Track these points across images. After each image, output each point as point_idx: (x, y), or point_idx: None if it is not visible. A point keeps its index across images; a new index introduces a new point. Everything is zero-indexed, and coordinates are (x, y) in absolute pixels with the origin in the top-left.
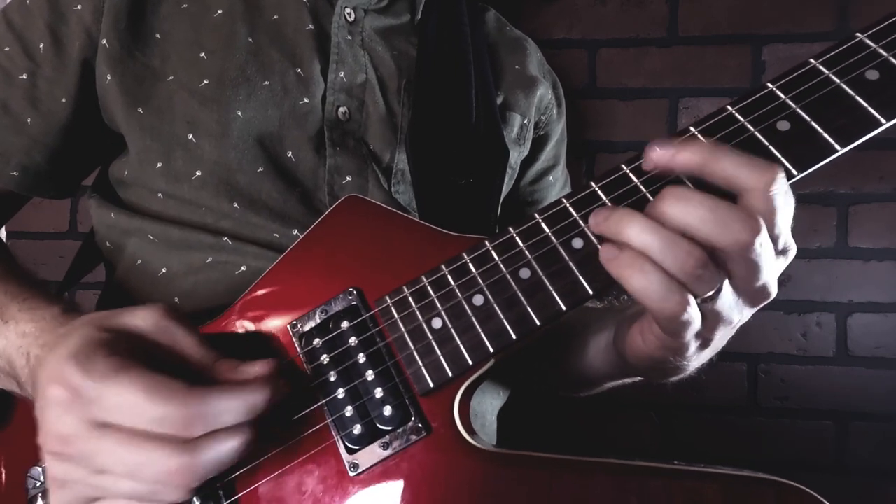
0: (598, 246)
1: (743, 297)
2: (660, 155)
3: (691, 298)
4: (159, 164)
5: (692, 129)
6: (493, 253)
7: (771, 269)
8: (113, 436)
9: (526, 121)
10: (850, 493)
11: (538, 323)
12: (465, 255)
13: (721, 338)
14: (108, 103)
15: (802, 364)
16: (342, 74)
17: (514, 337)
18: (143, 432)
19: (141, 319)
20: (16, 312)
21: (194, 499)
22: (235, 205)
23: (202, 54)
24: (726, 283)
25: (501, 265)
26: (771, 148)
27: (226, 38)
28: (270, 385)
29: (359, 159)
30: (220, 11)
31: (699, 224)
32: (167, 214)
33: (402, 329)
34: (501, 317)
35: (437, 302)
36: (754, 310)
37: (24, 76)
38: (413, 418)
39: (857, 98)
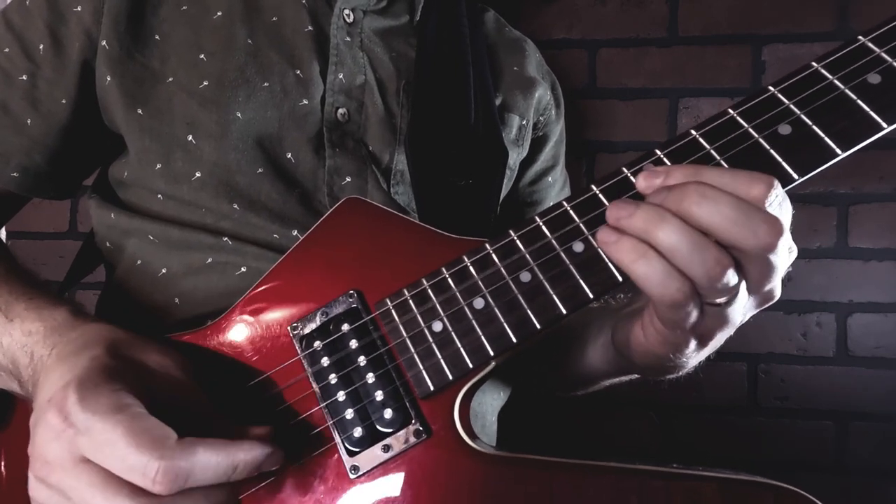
0: (598, 249)
1: (753, 299)
2: (649, 185)
3: (691, 285)
4: (159, 165)
5: (693, 132)
6: (494, 256)
7: (783, 271)
8: (90, 475)
9: (524, 122)
10: (850, 493)
11: (538, 326)
12: (465, 258)
13: (721, 337)
14: (108, 104)
15: (802, 364)
16: (341, 76)
17: (514, 340)
18: (117, 479)
19: (154, 360)
20: (21, 311)
21: None
22: (235, 206)
23: (202, 56)
24: (743, 286)
25: (502, 269)
26: (772, 152)
27: (225, 39)
28: (262, 451)
29: (358, 160)
30: (219, 13)
31: (728, 225)
32: (167, 215)
33: (403, 332)
34: (502, 320)
35: (437, 305)
36: (757, 311)
37: (24, 77)
38: (413, 421)
39: (859, 102)
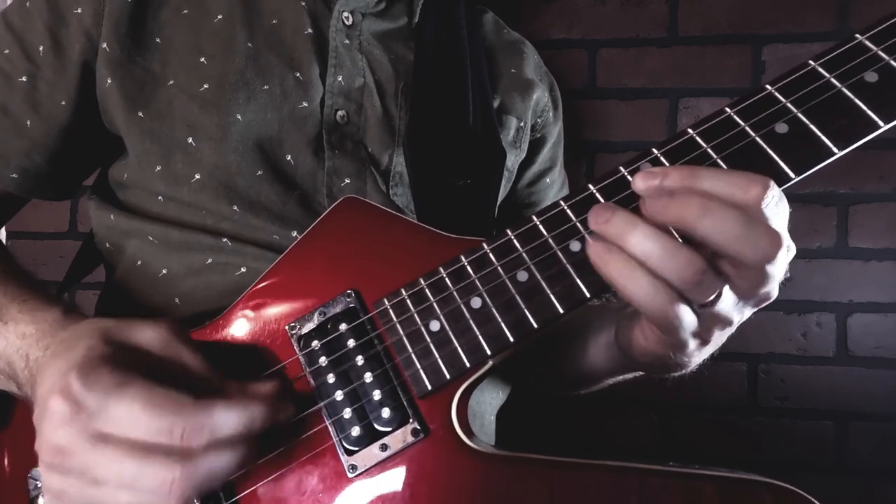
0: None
1: (744, 299)
2: (648, 186)
3: (680, 300)
4: (159, 167)
5: (690, 130)
6: (491, 256)
7: (780, 275)
8: (112, 447)
9: (522, 124)
10: (850, 493)
11: (535, 326)
12: (463, 258)
13: (721, 336)
14: (108, 106)
15: (802, 364)
16: (340, 78)
17: (511, 340)
18: (142, 443)
19: (147, 336)
20: (16, 313)
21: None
22: (235, 207)
23: (202, 59)
24: (726, 287)
25: (499, 268)
26: (769, 151)
27: (225, 42)
28: (274, 403)
29: (357, 162)
30: (219, 16)
31: (730, 241)
32: (167, 216)
33: (401, 331)
34: (499, 319)
35: (434, 304)
36: (755, 309)
37: (24, 79)
38: (411, 420)
39: (856, 101)
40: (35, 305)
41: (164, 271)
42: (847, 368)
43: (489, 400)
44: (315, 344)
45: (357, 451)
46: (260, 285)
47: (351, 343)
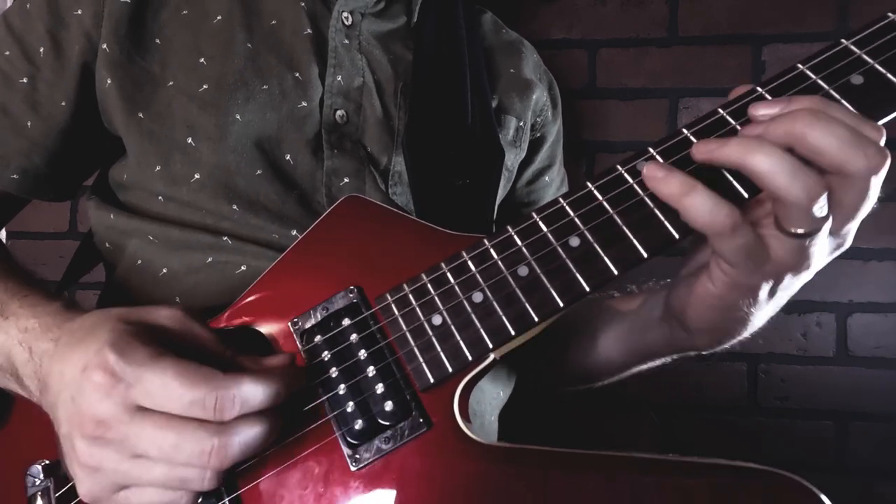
0: (594, 244)
1: (831, 238)
2: (768, 110)
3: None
4: (158, 168)
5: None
6: (492, 251)
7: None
8: (151, 419)
9: (521, 123)
10: (850, 493)
11: (536, 319)
12: (464, 254)
13: (791, 284)
14: (108, 107)
15: (802, 364)
16: (339, 78)
17: (512, 333)
18: (179, 416)
19: (164, 315)
20: (16, 308)
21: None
22: (234, 207)
23: (201, 60)
24: (828, 223)
25: (500, 263)
26: None
27: (224, 43)
28: (290, 374)
29: (356, 162)
30: (219, 17)
31: (840, 145)
32: (167, 216)
33: (403, 326)
34: (500, 313)
35: (436, 299)
36: (827, 260)
37: (24, 80)
38: (414, 413)
39: (843, 102)
40: (35, 301)
41: (165, 270)
42: (847, 368)
43: (490, 400)
44: (318, 339)
45: (360, 445)
46: (262, 282)
47: (354, 338)
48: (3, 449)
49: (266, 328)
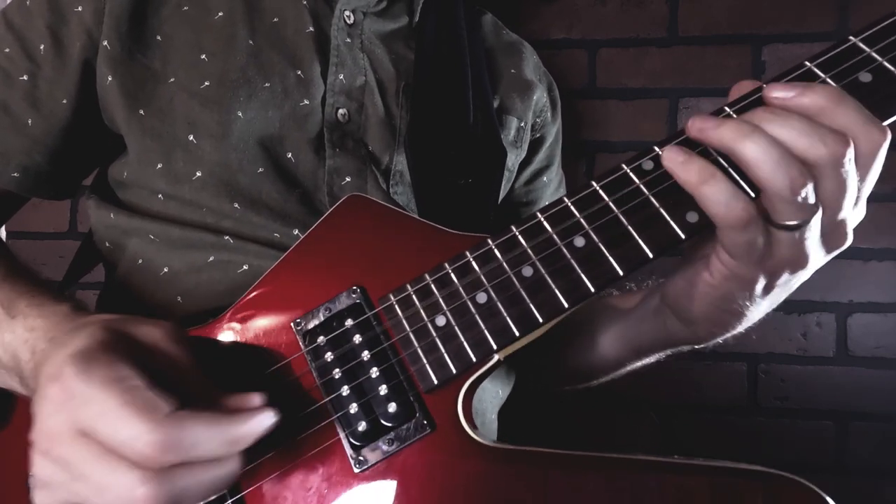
0: (599, 244)
1: (825, 234)
2: (784, 93)
3: (755, 207)
4: (159, 165)
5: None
6: (496, 251)
7: (853, 201)
8: (89, 447)
9: (522, 124)
10: (850, 493)
11: (541, 320)
12: (468, 254)
13: (788, 280)
14: (109, 104)
15: (802, 364)
16: (342, 76)
17: (517, 334)
18: (116, 450)
19: (148, 331)
20: (24, 308)
21: None
22: (236, 205)
23: (203, 56)
24: (818, 215)
25: (504, 264)
26: None
27: (226, 40)
28: (258, 418)
29: (358, 160)
30: (220, 14)
31: (797, 136)
32: (168, 215)
33: (406, 327)
34: (504, 314)
35: (440, 300)
36: (828, 257)
37: (25, 77)
38: (417, 415)
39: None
40: (43, 301)
41: (166, 269)
42: (847, 368)
43: (490, 398)
44: (321, 340)
45: (363, 446)
46: (265, 282)
47: (357, 339)
48: (5, 449)
49: (268, 328)
